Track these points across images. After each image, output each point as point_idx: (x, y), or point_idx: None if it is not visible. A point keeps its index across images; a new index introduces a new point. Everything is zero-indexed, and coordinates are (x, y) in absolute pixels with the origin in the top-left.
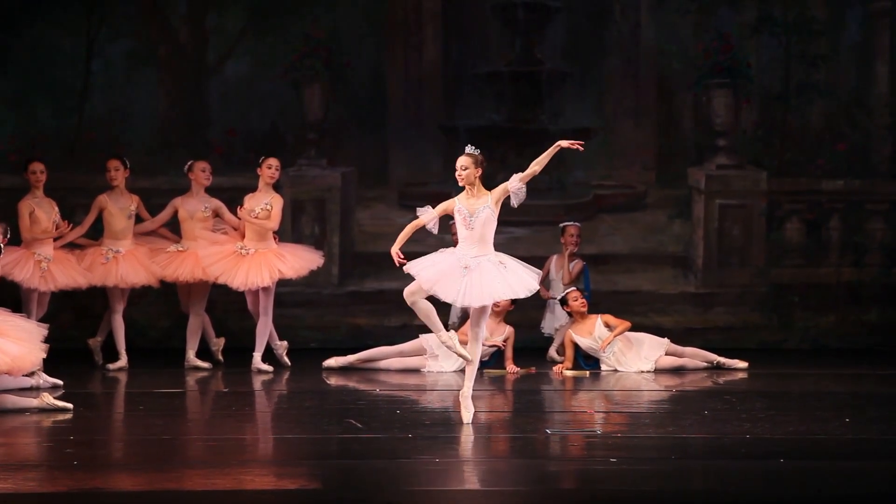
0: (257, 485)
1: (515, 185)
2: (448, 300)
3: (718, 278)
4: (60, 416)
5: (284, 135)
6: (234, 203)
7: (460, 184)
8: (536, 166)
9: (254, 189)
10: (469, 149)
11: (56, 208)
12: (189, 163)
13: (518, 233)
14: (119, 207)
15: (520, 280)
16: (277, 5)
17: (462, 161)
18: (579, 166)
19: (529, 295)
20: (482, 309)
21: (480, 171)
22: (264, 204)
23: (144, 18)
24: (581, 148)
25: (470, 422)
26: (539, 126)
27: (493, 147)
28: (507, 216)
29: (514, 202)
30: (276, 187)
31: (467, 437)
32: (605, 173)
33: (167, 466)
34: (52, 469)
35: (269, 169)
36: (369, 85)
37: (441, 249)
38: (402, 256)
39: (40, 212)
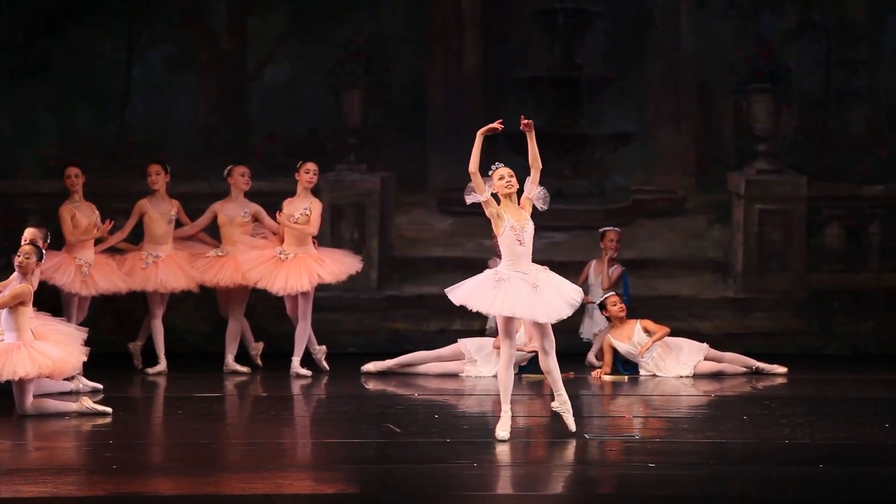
0: (295, 489)
1: (535, 192)
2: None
3: (758, 283)
4: (100, 420)
5: (324, 140)
6: (273, 208)
7: (508, 191)
8: (534, 162)
9: (293, 194)
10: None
11: (97, 212)
12: (228, 167)
13: (557, 238)
14: (159, 212)
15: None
16: (318, 11)
17: (509, 170)
18: (619, 171)
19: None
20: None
21: None
22: (303, 209)
23: (185, 24)
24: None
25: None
26: (579, 131)
27: None
28: (546, 220)
29: (544, 206)
30: (315, 192)
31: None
32: (645, 178)
33: (206, 470)
34: (92, 473)
35: (308, 174)
36: (409, 90)
37: (485, 276)
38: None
39: (81, 216)
